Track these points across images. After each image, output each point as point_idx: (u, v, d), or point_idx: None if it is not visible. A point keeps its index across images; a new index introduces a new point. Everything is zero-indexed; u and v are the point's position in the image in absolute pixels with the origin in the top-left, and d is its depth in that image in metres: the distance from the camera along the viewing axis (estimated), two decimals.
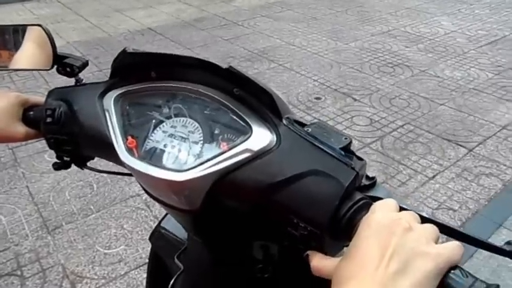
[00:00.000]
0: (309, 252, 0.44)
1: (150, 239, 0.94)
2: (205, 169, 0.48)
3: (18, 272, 1.80)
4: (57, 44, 0.63)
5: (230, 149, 0.48)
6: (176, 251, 0.77)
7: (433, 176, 2.34)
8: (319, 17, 4.86)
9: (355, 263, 0.36)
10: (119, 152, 0.53)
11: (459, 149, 2.56)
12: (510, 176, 2.32)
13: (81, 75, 0.65)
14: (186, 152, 0.51)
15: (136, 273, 1.78)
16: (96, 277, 1.76)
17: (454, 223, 2.00)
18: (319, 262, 0.42)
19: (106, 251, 1.88)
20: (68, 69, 0.62)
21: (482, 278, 0.35)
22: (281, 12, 5.06)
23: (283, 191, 0.44)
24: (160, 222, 0.93)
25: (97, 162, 0.68)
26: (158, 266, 0.93)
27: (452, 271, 0.35)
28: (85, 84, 0.63)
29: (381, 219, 0.37)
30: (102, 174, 2.42)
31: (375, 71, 3.55)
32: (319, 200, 0.42)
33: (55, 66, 0.62)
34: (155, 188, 0.54)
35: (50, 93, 0.62)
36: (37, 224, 2.04)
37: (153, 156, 0.52)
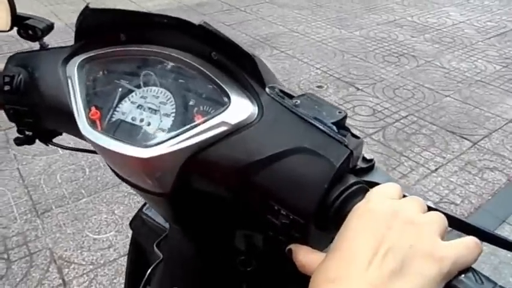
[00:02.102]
0: (292, 245, 0.37)
1: (130, 224, 0.88)
2: (174, 144, 0.41)
3: (5, 256, 1.75)
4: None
5: (204, 122, 0.41)
6: (157, 238, 0.71)
7: (436, 169, 2.27)
8: (324, 5, 4.75)
9: (341, 260, 0.29)
10: (79, 124, 0.46)
11: (463, 142, 2.48)
12: None
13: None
14: (155, 126, 0.44)
15: (125, 259, 1.72)
16: (84, 263, 1.71)
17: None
18: (305, 257, 0.36)
19: (95, 236, 1.83)
20: (30, 31, 0.55)
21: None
22: None
23: (263, 172, 0.38)
24: (142, 207, 0.88)
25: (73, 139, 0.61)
26: (138, 254, 0.88)
27: (463, 274, 0.28)
28: (49, 48, 0.56)
29: (377, 208, 0.30)
30: (95, 157, 2.37)
31: (379, 60, 3.45)
32: (305, 183, 0.35)
33: (15, 29, 0.55)
34: (120, 167, 0.47)
35: (11, 58, 0.55)
36: (26, 207, 1.99)
37: (118, 130, 0.45)
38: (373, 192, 0.33)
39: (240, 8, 4.59)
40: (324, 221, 0.35)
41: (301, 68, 3.32)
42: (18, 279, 1.65)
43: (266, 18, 4.32)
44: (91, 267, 1.69)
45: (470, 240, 0.30)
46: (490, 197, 2.08)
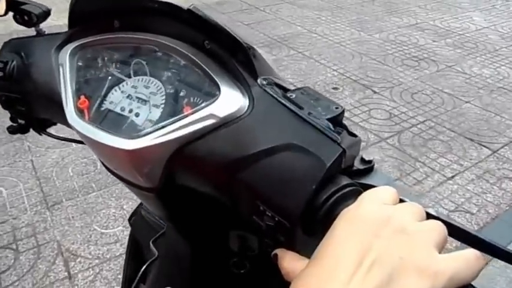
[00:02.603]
0: (277, 250, 0.34)
1: (129, 220, 0.87)
2: (160, 136, 0.39)
3: (14, 246, 1.76)
4: None
5: (192, 114, 0.39)
6: (154, 235, 0.69)
7: (452, 176, 2.20)
8: (344, 6, 4.69)
9: (322, 269, 0.26)
10: (66, 113, 0.44)
11: (482, 150, 2.40)
12: None
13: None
14: (143, 117, 0.42)
15: None
16: (90, 256, 1.71)
17: (471, 228, 1.87)
18: (290, 263, 0.33)
19: (103, 231, 1.83)
20: (26, 17, 0.54)
21: None
22: None
23: (250, 169, 0.35)
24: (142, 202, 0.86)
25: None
26: (136, 251, 0.86)
27: None
28: (45, 35, 0.54)
29: (365, 213, 0.27)
30: None
31: (398, 63, 3.39)
32: (292, 182, 0.33)
33: (11, 14, 0.54)
34: (108, 159, 0.45)
35: (6, 44, 0.54)
36: (37, 198, 2.00)
37: (105, 120, 0.43)
38: (364, 195, 0.30)
39: (259, 8, 4.57)
40: (312, 225, 0.32)
41: (318, 69, 3.28)
42: (25, 270, 1.66)
43: (285, 18, 4.29)
44: (97, 261, 1.69)
45: (471, 253, 0.26)
46: (507, 208, 2.01)
